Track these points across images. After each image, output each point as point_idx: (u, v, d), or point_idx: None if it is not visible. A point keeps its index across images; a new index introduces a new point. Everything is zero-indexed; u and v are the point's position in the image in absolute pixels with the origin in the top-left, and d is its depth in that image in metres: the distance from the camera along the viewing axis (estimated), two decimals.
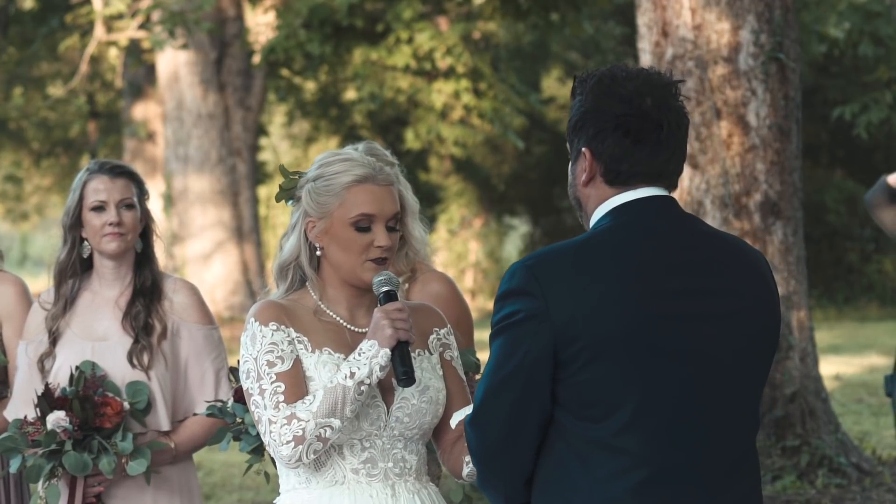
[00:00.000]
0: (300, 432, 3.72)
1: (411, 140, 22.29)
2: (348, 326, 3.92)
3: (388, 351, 3.74)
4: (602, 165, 3.38)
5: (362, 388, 3.73)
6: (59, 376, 4.91)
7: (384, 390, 3.85)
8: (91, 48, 20.22)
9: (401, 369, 3.75)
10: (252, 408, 3.80)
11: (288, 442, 3.72)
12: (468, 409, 3.73)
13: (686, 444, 3.29)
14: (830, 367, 14.66)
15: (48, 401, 4.78)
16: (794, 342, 9.40)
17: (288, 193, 3.97)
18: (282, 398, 3.75)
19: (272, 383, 3.77)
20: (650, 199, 3.38)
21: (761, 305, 3.40)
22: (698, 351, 3.30)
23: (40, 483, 4.85)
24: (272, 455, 3.79)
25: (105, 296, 5.03)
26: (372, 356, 3.74)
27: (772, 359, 3.46)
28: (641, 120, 3.35)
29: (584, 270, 3.28)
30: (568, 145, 3.47)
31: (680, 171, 3.44)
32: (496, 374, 3.31)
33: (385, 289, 3.82)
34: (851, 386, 14.44)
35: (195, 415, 5.00)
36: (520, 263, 3.33)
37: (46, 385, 4.87)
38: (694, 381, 3.30)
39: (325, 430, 3.73)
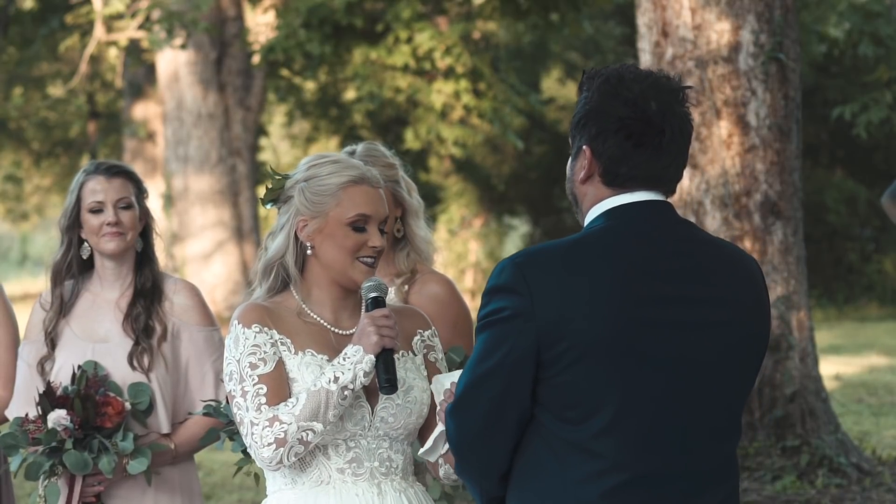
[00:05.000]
0: (282, 435, 3.72)
1: (411, 140, 22.28)
2: (332, 329, 3.93)
3: (372, 357, 3.75)
4: (601, 165, 3.38)
5: (346, 392, 3.74)
6: (61, 376, 4.91)
7: (369, 391, 3.86)
8: (91, 48, 20.21)
9: (384, 377, 3.76)
10: (234, 410, 3.81)
11: (269, 444, 3.73)
12: (447, 378, 3.75)
13: (664, 451, 3.29)
14: (830, 367, 14.66)
15: (49, 399, 4.78)
16: (794, 342, 9.40)
17: (274, 194, 3.97)
18: (263, 400, 3.76)
19: (254, 385, 3.78)
20: (646, 204, 3.37)
21: (750, 314, 3.39)
22: (682, 358, 3.29)
23: (40, 481, 4.85)
24: (253, 457, 3.80)
25: (106, 297, 5.03)
26: (356, 361, 3.75)
27: (759, 366, 3.45)
28: (644, 124, 3.34)
29: (572, 271, 3.28)
30: (570, 140, 3.46)
31: (679, 178, 3.43)
32: (478, 368, 3.32)
33: (373, 294, 3.84)
34: (851, 386, 14.44)
35: (190, 414, 4.99)
36: (509, 260, 3.34)
37: (48, 383, 4.87)
38: (675, 388, 3.29)
39: (307, 434, 3.73)
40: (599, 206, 3.39)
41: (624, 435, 3.26)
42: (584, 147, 3.39)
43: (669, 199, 3.44)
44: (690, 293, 3.32)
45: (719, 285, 3.36)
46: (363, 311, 3.94)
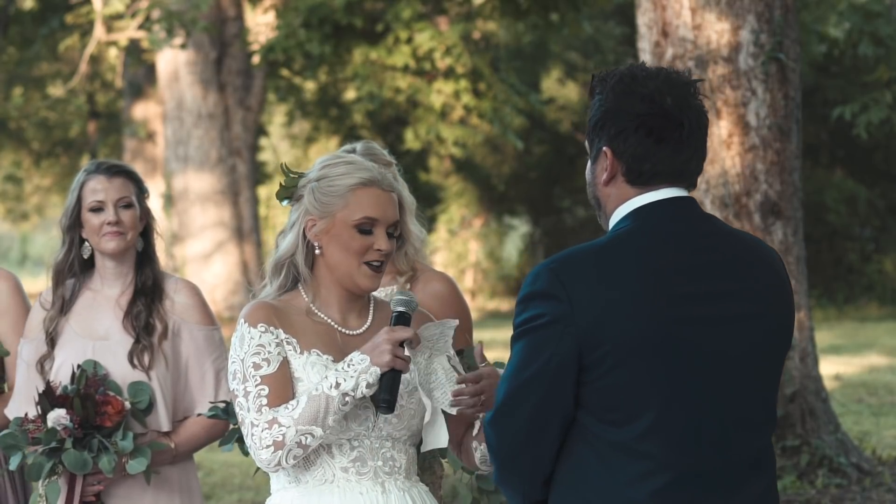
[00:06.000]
0: (280, 437, 3.72)
1: (411, 140, 22.29)
2: (339, 329, 3.92)
3: (378, 371, 3.73)
4: (624, 165, 3.38)
5: (346, 399, 3.73)
6: (61, 374, 4.91)
7: None
8: (91, 48, 20.21)
9: (383, 395, 3.73)
10: (237, 409, 3.81)
11: (268, 446, 3.72)
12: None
13: (707, 447, 3.30)
14: (830, 367, 14.66)
15: (49, 399, 4.78)
16: (794, 342, 9.40)
17: (288, 191, 3.97)
18: (265, 401, 3.75)
19: (256, 386, 3.77)
20: (670, 201, 3.39)
21: (778, 304, 3.41)
22: (719, 353, 3.31)
23: (41, 481, 4.85)
24: (253, 458, 3.79)
25: (106, 295, 5.03)
26: (361, 371, 3.73)
27: (786, 353, 3.47)
28: (663, 119, 3.35)
29: (606, 274, 3.28)
30: (587, 144, 3.46)
31: (700, 170, 3.45)
32: (518, 376, 3.30)
33: (401, 309, 3.81)
34: (851, 386, 14.44)
35: (199, 415, 4.99)
36: (543, 266, 3.32)
37: (48, 383, 4.87)
38: (715, 383, 3.30)
39: (306, 438, 3.72)
40: (625, 206, 3.39)
41: (668, 434, 3.26)
42: (605, 148, 3.39)
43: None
44: (720, 288, 3.34)
45: (746, 278, 3.38)
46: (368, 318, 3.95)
